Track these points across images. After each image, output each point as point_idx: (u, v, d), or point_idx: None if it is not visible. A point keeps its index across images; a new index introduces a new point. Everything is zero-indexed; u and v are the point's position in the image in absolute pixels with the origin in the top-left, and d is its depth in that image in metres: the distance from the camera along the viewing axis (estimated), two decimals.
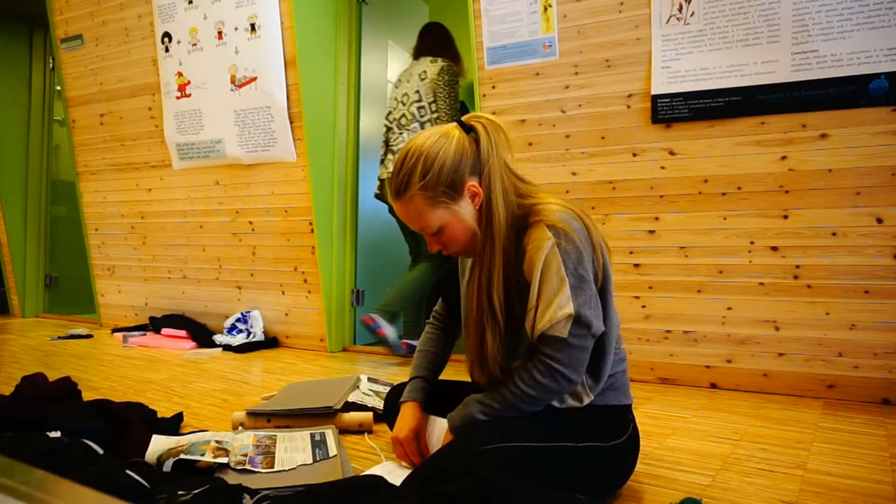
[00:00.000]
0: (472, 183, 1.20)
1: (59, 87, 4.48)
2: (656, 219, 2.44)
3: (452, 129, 1.23)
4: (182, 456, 1.30)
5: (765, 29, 2.21)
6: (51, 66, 4.63)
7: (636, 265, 2.48)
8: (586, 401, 1.21)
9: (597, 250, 1.19)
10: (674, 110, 2.37)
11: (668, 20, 2.36)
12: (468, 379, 1.36)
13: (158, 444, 1.38)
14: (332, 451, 1.43)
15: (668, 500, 1.24)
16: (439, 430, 1.30)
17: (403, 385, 1.54)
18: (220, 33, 3.25)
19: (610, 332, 1.22)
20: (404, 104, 3.04)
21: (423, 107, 3.00)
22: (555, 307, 1.13)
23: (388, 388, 1.85)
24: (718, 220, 2.34)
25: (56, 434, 1.38)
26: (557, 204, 1.20)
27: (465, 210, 1.20)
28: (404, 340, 3.00)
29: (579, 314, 1.13)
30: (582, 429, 1.17)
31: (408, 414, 1.36)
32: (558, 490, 1.12)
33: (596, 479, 1.20)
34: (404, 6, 3.92)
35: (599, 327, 1.17)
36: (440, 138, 1.20)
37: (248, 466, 1.30)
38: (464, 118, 1.25)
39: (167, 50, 3.46)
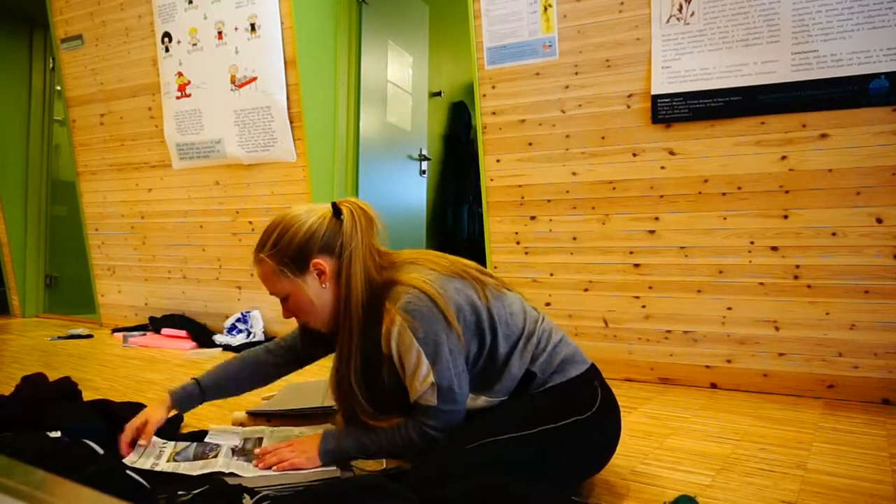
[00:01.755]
0: (318, 261, 1.25)
1: (59, 87, 4.47)
2: (656, 219, 2.44)
3: (323, 208, 1.31)
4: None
5: (765, 29, 2.21)
6: (51, 66, 4.63)
7: (636, 265, 2.48)
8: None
9: (455, 314, 1.21)
10: (674, 110, 2.37)
11: (668, 20, 2.36)
12: None
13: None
14: None
15: (667, 500, 1.24)
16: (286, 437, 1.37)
17: None
18: (220, 33, 3.25)
19: (511, 341, 1.25)
20: None
21: None
22: (419, 379, 1.20)
23: None
24: (718, 220, 2.34)
25: (56, 434, 1.38)
26: (413, 277, 1.22)
27: (311, 285, 1.26)
28: None
29: (439, 384, 1.20)
30: (556, 409, 1.20)
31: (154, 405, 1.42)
32: (553, 488, 1.13)
33: (586, 451, 1.22)
34: (404, 6, 3.92)
35: (463, 392, 1.23)
36: (305, 213, 1.28)
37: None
38: (335, 201, 1.31)
39: (167, 50, 3.46)
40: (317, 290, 1.26)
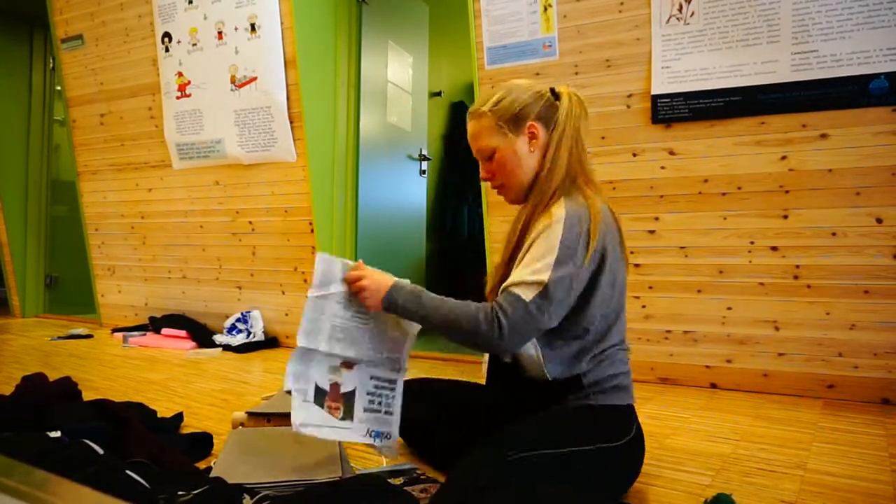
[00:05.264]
0: (534, 124, 1.28)
1: (59, 87, 4.48)
2: (656, 219, 2.44)
3: (542, 86, 1.33)
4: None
5: (765, 29, 2.21)
6: (51, 66, 4.63)
7: (636, 265, 2.48)
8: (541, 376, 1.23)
9: (606, 248, 1.21)
10: (674, 110, 2.37)
11: (668, 20, 2.36)
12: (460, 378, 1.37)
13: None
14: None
15: (669, 500, 1.24)
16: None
17: (411, 381, 1.50)
18: (220, 33, 3.25)
19: (601, 326, 1.23)
20: None
21: None
22: (532, 269, 1.16)
23: None
24: (718, 220, 2.34)
25: (56, 434, 1.38)
26: (595, 200, 1.23)
27: (520, 146, 1.29)
28: None
29: (549, 285, 1.13)
30: (593, 432, 1.18)
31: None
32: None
33: (609, 478, 1.21)
34: (404, 6, 3.92)
35: (554, 315, 1.16)
36: (527, 84, 1.33)
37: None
38: (555, 87, 1.33)
39: (167, 50, 3.46)
40: (525, 153, 1.30)
